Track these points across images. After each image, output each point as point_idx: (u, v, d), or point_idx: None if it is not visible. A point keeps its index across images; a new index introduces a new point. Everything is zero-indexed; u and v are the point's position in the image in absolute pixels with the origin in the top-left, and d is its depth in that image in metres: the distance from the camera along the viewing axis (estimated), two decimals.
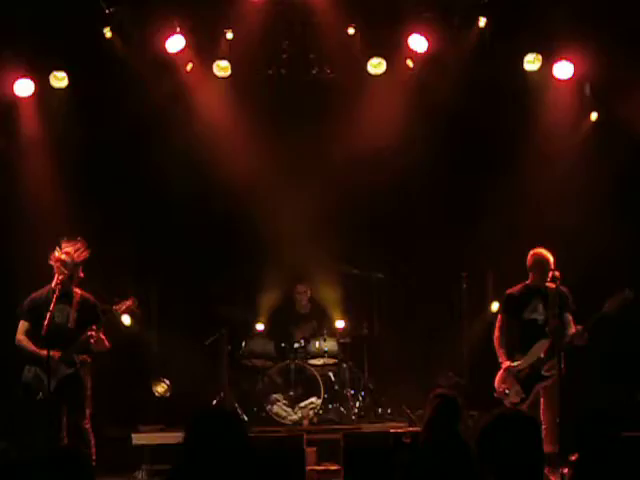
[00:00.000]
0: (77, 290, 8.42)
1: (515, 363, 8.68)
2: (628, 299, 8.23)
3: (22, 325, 8.35)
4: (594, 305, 8.58)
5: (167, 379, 10.65)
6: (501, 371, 8.74)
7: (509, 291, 9.00)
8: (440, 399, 6.19)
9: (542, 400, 8.62)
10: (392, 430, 9.16)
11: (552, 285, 8.62)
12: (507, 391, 8.65)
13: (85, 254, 8.34)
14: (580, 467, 4.25)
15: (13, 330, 8.41)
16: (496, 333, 8.88)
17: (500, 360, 8.78)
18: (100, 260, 8.90)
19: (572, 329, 8.55)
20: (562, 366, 8.53)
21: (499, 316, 8.99)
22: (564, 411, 8.31)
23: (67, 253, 8.26)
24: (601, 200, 10.50)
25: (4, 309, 9.10)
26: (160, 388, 10.63)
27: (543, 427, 8.15)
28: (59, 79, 10.43)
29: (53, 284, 8.20)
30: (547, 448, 8.16)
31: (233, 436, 3.64)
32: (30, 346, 8.19)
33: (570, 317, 8.69)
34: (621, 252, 10.41)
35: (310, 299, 11.51)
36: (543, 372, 8.56)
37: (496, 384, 8.75)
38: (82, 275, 8.42)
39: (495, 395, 8.74)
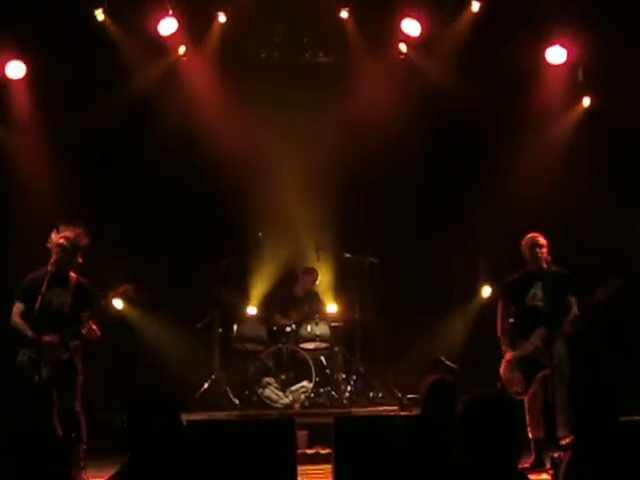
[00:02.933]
0: (73, 274, 8.37)
1: (516, 352, 8.65)
2: (618, 286, 8.15)
3: (17, 306, 8.28)
4: (589, 292, 8.57)
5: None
6: (505, 360, 8.71)
7: (509, 278, 8.88)
8: (435, 382, 6.22)
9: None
10: (383, 414, 9.20)
11: (552, 269, 8.58)
12: (510, 380, 8.61)
13: (86, 240, 8.28)
14: (577, 452, 4.26)
15: (9, 313, 8.38)
16: (498, 321, 8.78)
17: (503, 349, 8.68)
18: (93, 243, 8.88)
19: (572, 315, 8.50)
20: (563, 353, 8.52)
21: (499, 304, 8.87)
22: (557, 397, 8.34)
23: (66, 238, 8.18)
24: (594, 185, 10.50)
25: (1, 293, 9.06)
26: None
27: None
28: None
29: (49, 266, 8.15)
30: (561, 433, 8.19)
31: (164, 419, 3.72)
32: (25, 329, 8.14)
33: (573, 300, 8.54)
34: (616, 238, 10.40)
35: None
36: (543, 360, 8.48)
37: (501, 373, 8.70)
38: (81, 261, 8.37)
39: (499, 385, 8.66)
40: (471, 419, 3.48)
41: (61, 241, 8.15)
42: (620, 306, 8.82)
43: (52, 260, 8.13)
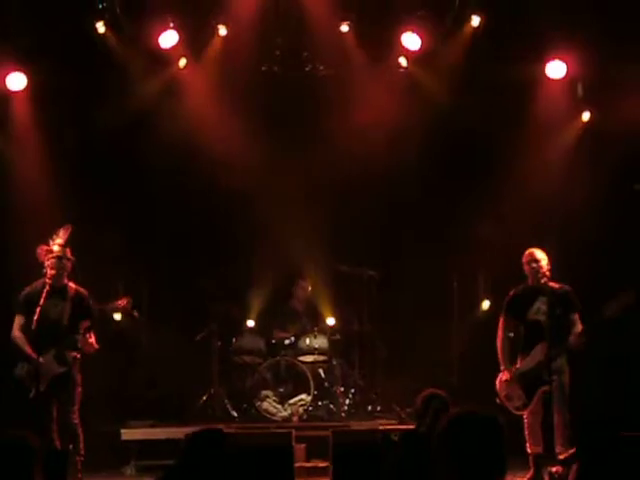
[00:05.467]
0: (71, 285, 8.40)
1: (517, 367, 8.63)
2: (629, 301, 8.06)
3: (18, 319, 8.32)
4: (588, 306, 8.56)
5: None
6: (502, 375, 8.66)
7: (512, 292, 8.86)
8: (428, 397, 6.23)
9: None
10: (381, 427, 9.18)
11: (553, 285, 8.59)
12: (510, 395, 8.57)
13: (67, 232, 8.30)
14: (581, 467, 4.25)
15: (7, 324, 8.38)
16: (499, 336, 8.74)
17: (502, 366, 8.66)
18: (92, 255, 8.88)
19: (577, 330, 8.47)
20: (566, 369, 8.51)
21: (501, 318, 8.83)
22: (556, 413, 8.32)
23: (52, 241, 8.27)
24: (594, 199, 10.50)
25: None
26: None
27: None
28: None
29: (46, 278, 8.19)
30: (559, 450, 8.18)
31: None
32: (24, 346, 8.16)
33: (577, 317, 8.54)
34: (616, 251, 10.40)
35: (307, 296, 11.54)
36: (544, 376, 8.45)
37: (498, 388, 8.67)
38: (70, 256, 8.35)
39: (497, 400, 8.61)
40: (453, 436, 3.46)
41: (50, 246, 8.22)
42: (630, 321, 8.80)
43: (48, 271, 8.18)
